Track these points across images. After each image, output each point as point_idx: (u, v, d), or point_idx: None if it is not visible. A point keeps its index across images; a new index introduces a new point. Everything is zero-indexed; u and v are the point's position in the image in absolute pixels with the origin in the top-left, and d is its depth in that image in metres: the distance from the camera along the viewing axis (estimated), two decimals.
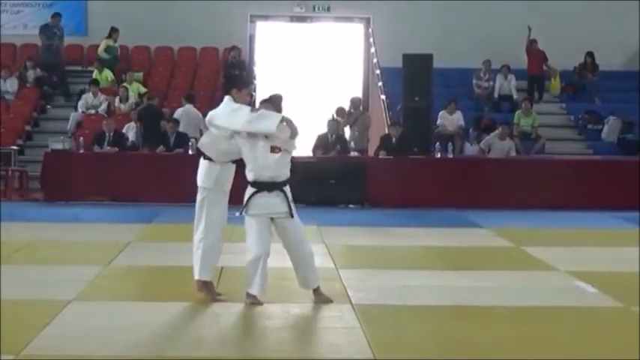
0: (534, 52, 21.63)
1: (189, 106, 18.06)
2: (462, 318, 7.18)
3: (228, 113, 7.43)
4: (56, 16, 21.09)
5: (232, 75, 8.03)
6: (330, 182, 16.12)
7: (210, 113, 7.63)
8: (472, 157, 18.15)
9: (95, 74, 21.03)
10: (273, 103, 7.67)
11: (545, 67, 21.83)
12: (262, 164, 7.36)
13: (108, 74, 21.13)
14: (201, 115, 18.37)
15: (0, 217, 12.72)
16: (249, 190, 7.39)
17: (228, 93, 7.65)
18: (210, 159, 7.57)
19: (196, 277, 7.57)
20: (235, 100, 7.54)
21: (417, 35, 21.63)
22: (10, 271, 8.78)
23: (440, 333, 6.76)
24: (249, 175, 7.40)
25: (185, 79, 22.22)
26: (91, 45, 22.24)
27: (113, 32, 21.41)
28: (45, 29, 20.91)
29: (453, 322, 7.08)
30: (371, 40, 22.23)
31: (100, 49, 21.44)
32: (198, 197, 7.61)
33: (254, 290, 7.40)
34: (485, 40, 22.06)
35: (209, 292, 7.56)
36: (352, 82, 22.73)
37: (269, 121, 7.24)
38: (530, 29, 21.48)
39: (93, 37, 22.19)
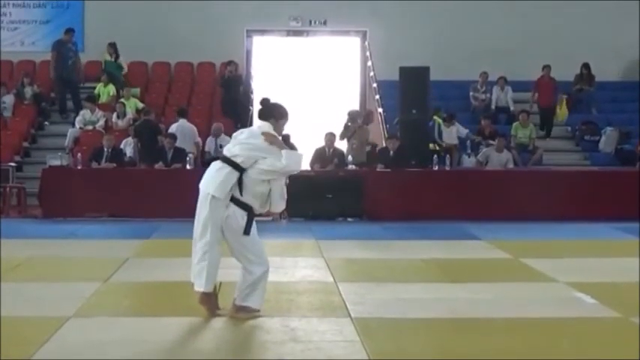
0: (546, 82, 21.21)
1: (182, 121, 18.10)
2: (461, 330, 7.17)
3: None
4: (69, 31, 20.94)
5: (272, 105, 7.94)
6: (327, 196, 16.12)
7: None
8: (470, 169, 18.15)
9: (99, 87, 21.11)
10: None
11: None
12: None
13: (111, 89, 21.19)
14: (195, 130, 18.42)
15: (0, 234, 12.72)
16: (243, 212, 7.36)
17: (265, 119, 7.66)
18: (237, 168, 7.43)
19: (202, 289, 7.42)
20: (274, 129, 7.58)
21: (414, 48, 21.66)
22: (9, 287, 8.76)
23: (439, 345, 6.75)
24: (260, 208, 7.49)
25: (182, 94, 22.25)
26: (88, 61, 22.29)
27: (108, 47, 21.57)
28: (58, 45, 20.86)
29: (452, 334, 7.08)
30: (367, 53, 22.29)
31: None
32: (205, 208, 7.36)
33: (258, 304, 7.43)
34: (481, 52, 22.10)
35: (211, 305, 7.51)
36: (349, 96, 22.76)
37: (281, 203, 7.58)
38: (549, 67, 21.12)
39: (90, 53, 22.22)
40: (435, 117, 19.37)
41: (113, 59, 21.64)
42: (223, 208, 7.37)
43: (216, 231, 7.38)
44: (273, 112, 7.72)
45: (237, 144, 7.53)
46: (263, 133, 7.51)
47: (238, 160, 7.41)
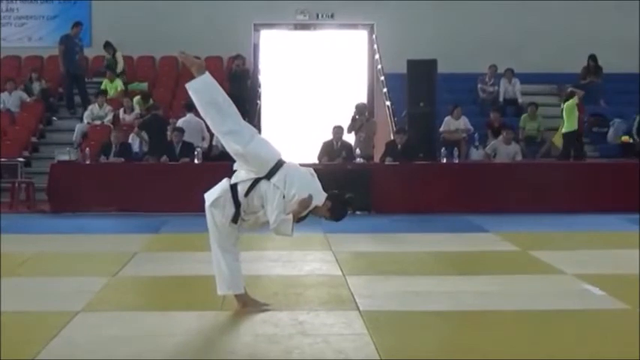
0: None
1: (190, 115, 18.08)
2: (469, 323, 7.18)
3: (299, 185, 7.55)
4: (77, 25, 20.92)
5: (337, 195, 8.05)
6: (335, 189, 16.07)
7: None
8: (478, 161, 18.14)
9: (105, 83, 21.13)
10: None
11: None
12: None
13: (118, 84, 21.22)
14: (203, 124, 18.38)
15: (0, 229, 12.71)
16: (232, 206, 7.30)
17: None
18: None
19: (243, 291, 7.49)
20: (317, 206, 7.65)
21: (421, 41, 21.63)
22: (18, 282, 8.80)
23: (447, 338, 6.76)
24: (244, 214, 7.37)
25: None
26: (96, 56, 22.33)
27: (104, 46, 21.62)
28: (66, 39, 20.83)
29: (460, 327, 7.08)
30: (375, 46, 22.26)
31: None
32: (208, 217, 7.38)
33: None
34: (488, 44, 22.06)
35: (252, 302, 7.54)
36: (357, 89, 22.75)
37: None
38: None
39: (97, 48, 22.22)
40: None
41: (111, 56, 21.72)
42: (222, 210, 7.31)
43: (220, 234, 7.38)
44: (331, 199, 7.92)
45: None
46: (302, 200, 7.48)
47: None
